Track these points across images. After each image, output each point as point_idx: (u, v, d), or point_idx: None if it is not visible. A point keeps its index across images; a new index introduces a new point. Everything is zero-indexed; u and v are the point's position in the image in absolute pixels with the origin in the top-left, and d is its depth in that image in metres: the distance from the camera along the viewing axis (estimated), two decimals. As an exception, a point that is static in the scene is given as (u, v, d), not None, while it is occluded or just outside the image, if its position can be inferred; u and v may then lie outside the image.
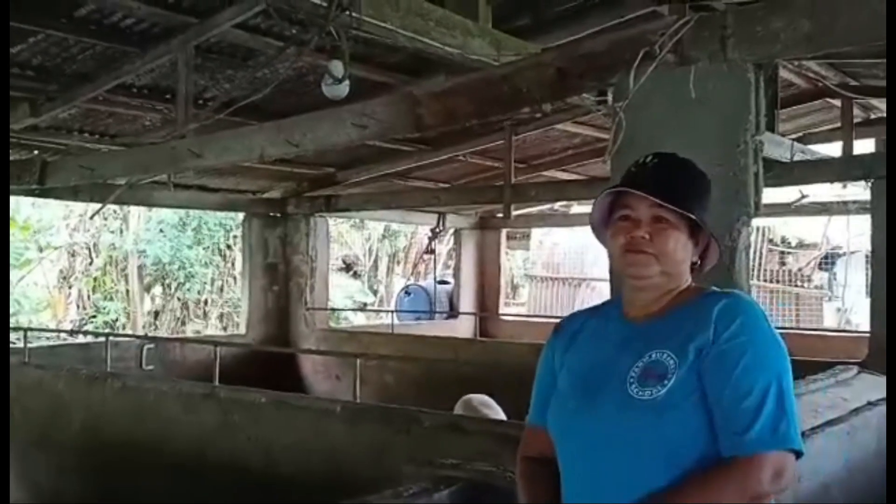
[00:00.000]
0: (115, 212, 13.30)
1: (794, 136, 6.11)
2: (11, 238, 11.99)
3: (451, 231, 10.78)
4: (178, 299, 14.67)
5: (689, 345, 1.57)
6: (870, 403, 3.38)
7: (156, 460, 4.65)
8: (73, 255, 14.30)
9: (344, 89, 3.95)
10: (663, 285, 1.67)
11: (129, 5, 4.20)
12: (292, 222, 8.96)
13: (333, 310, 11.53)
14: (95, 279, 14.41)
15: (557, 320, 1.89)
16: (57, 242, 13.93)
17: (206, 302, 14.91)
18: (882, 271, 4.51)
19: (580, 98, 4.09)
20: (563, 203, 10.46)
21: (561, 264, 13.99)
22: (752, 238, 3.29)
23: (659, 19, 3.82)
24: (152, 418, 4.84)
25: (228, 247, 14.62)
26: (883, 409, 3.35)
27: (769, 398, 1.51)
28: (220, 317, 14.94)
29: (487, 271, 10.81)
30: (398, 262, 17.82)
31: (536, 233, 14.19)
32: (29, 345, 6.29)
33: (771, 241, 14.34)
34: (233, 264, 14.49)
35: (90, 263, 14.36)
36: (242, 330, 8.88)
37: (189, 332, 13.88)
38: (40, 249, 13.73)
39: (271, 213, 8.93)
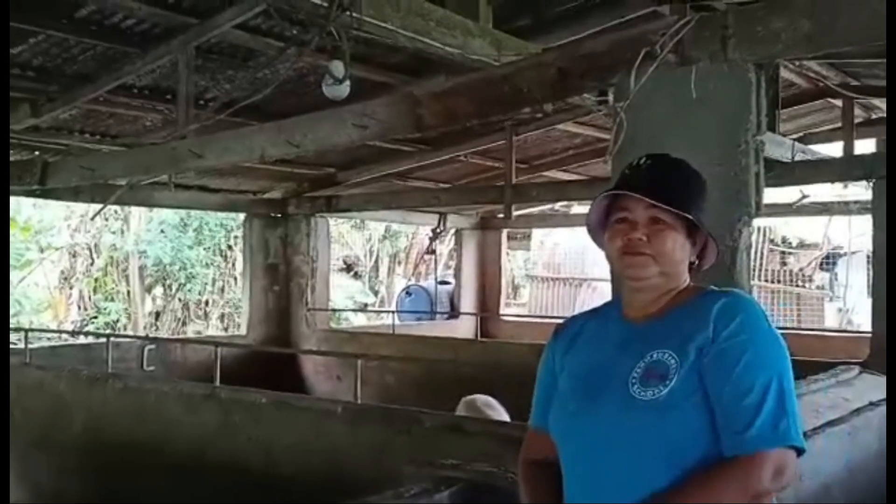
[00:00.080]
0: (115, 212, 13.30)
1: (795, 136, 6.11)
2: (12, 239, 12.01)
3: (452, 231, 10.77)
4: (179, 300, 14.67)
5: (690, 344, 1.57)
6: (871, 404, 3.37)
7: (157, 461, 4.65)
8: (74, 256, 14.31)
9: (345, 90, 3.95)
10: (662, 286, 1.67)
11: (129, 6, 4.20)
12: (293, 223, 8.96)
13: (334, 310, 11.53)
14: (96, 280, 14.41)
15: (558, 321, 1.89)
16: (58, 243, 13.93)
17: (206, 302, 14.92)
18: (883, 271, 4.50)
19: (581, 98, 4.09)
20: (564, 203, 10.47)
21: (562, 265, 13.99)
22: (754, 238, 3.29)
23: (660, 19, 3.82)
24: (153, 419, 4.84)
25: (229, 247, 14.62)
26: (884, 409, 3.35)
27: (770, 396, 1.51)
28: (221, 317, 14.95)
29: (488, 272, 10.81)
30: (399, 263, 17.83)
31: (537, 233, 14.20)
32: (30, 346, 6.29)
33: (772, 241, 14.34)
34: (233, 265, 14.49)
35: (91, 264, 14.36)
36: (243, 330, 8.88)
37: (190, 332, 13.88)
38: (41, 250, 13.73)
39: (272, 214, 8.93)
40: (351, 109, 4.08)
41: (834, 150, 6.17)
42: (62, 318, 13.71)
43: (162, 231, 14.02)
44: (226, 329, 14.10)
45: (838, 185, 6.47)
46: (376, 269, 17.51)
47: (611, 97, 3.18)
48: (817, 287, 13.96)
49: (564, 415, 1.69)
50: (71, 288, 14.33)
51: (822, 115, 7.01)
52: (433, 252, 10.85)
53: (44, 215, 13.20)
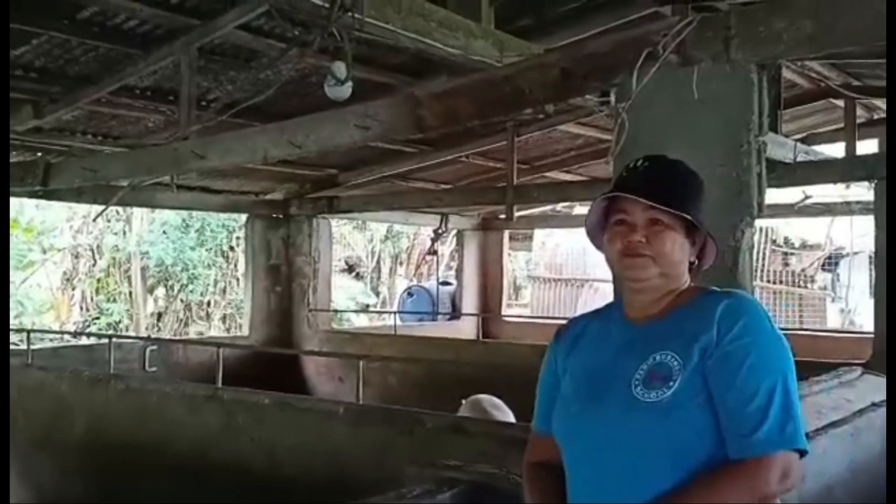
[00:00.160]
0: (118, 213, 13.31)
1: (797, 136, 6.10)
2: (15, 240, 12.03)
3: (454, 232, 10.77)
4: (181, 301, 14.69)
5: (693, 346, 1.56)
6: (874, 405, 3.37)
7: (159, 462, 4.65)
8: (76, 257, 14.32)
9: (347, 90, 3.95)
10: (662, 287, 1.67)
11: (131, 7, 4.20)
12: (295, 224, 8.96)
13: (336, 311, 11.53)
14: (99, 281, 14.43)
15: (560, 322, 1.89)
16: (60, 244, 13.96)
17: (208, 303, 14.93)
18: (884, 272, 4.50)
19: (583, 99, 4.09)
20: (566, 204, 10.45)
21: (563, 265, 13.98)
22: (756, 239, 3.29)
23: (662, 20, 3.82)
24: (155, 420, 4.84)
25: (231, 248, 14.63)
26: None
27: (775, 398, 1.51)
28: (223, 318, 14.96)
29: (490, 272, 10.81)
30: (401, 264, 17.84)
31: (539, 234, 14.18)
32: (32, 346, 6.29)
33: (774, 241, 14.32)
34: (235, 266, 14.50)
35: (93, 265, 14.38)
36: (245, 331, 8.88)
37: (192, 333, 13.89)
38: (44, 251, 13.75)
39: (274, 215, 8.93)
40: (353, 110, 4.08)
41: (836, 150, 6.16)
42: (64, 319, 13.73)
43: (164, 232, 14.04)
44: (228, 330, 14.11)
45: (840, 186, 6.45)
46: (378, 270, 17.52)
47: (613, 98, 3.18)
48: (819, 288, 13.94)
49: (567, 416, 1.69)
50: (73, 289, 14.35)
51: (825, 116, 7.00)
52: (435, 253, 10.84)
53: (46, 216, 13.22)
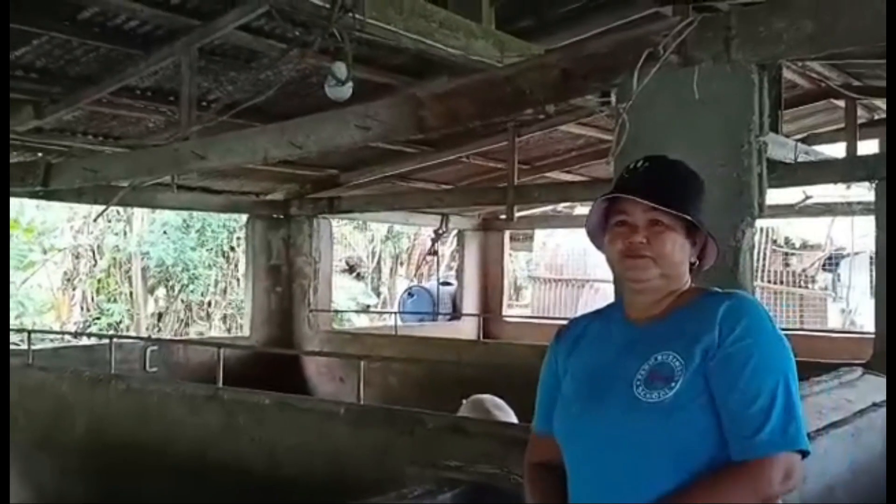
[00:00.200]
0: (118, 214, 13.33)
1: (797, 136, 6.10)
2: (16, 240, 12.03)
3: (455, 232, 10.78)
4: (182, 301, 14.69)
5: (696, 346, 1.56)
6: (874, 405, 3.37)
7: (159, 462, 4.65)
8: (76, 257, 14.33)
9: (347, 91, 3.95)
10: (663, 287, 1.66)
11: (132, 8, 4.20)
12: (295, 224, 8.97)
13: (337, 311, 11.54)
14: (99, 281, 14.44)
15: (561, 322, 1.89)
16: (61, 244, 13.96)
17: (209, 304, 14.93)
18: (885, 272, 4.50)
19: (583, 99, 4.09)
20: (567, 204, 10.46)
21: (564, 265, 13.99)
22: (756, 239, 3.29)
23: (662, 20, 3.82)
24: (156, 420, 4.84)
25: (232, 248, 14.64)
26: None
27: (777, 399, 1.51)
28: (224, 318, 14.96)
29: (490, 272, 10.81)
30: (401, 264, 17.84)
31: (539, 234, 14.19)
32: (33, 347, 6.29)
33: (775, 242, 14.31)
34: (236, 266, 14.50)
35: (94, 265, 14.39)
36: (246, 332, 8.89)
37: (192, 333, 13.89)
38: (44, 251, 13.76)
39: (275, 215, 8.94)
40: (353, 111, 4.08)
41: (837, 150, 6.16)
42: (65, 320, 13.74)
43: (165, 232, 14.04)
44: (228, 330, 14.11)
45: (841, 186, 6.45)
46: (378, 271, 17.52)
47: (613, 98, 3.18)
48: (820, 288, 13.94)
49: (568, 417, 1.68)
50: (74, 289, 14.35)
51: (825, 116, 7.00)
52: (435, 253, 10.85)
53: (47, 217, 13.23)
